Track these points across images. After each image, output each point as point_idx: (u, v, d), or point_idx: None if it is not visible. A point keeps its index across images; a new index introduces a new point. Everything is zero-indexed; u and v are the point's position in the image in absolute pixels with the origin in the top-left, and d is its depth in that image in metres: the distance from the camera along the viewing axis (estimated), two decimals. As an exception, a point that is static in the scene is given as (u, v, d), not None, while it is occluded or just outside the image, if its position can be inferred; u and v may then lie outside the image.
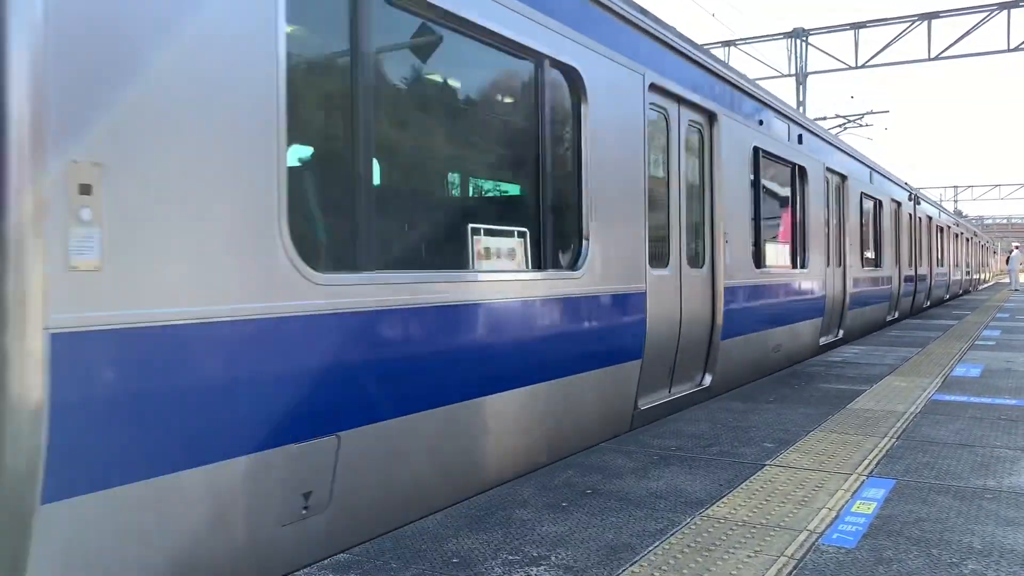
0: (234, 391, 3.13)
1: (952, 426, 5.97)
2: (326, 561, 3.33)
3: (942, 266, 27.05)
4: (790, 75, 28.66)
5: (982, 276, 40.02)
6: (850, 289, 13.36)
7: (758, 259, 9.06)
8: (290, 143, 3.42)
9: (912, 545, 3.52)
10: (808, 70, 28.54)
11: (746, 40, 28.52)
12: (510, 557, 3.38)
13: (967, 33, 24.83)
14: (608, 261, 5.80)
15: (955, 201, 76.42)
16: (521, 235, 5.12)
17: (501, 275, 4.74)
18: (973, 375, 8.57)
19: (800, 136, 10.89)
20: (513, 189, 5.37)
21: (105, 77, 2.67)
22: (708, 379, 7.64)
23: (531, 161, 5.22)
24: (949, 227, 29.86)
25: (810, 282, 11.10)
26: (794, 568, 3.26)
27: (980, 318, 17.53)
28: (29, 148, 2.45)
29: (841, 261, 13.12)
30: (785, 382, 8.20)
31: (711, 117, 7.83)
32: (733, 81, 8.42)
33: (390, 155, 4.30)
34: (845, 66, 27.43)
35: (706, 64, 7.67)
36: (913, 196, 20.91)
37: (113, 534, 2.74)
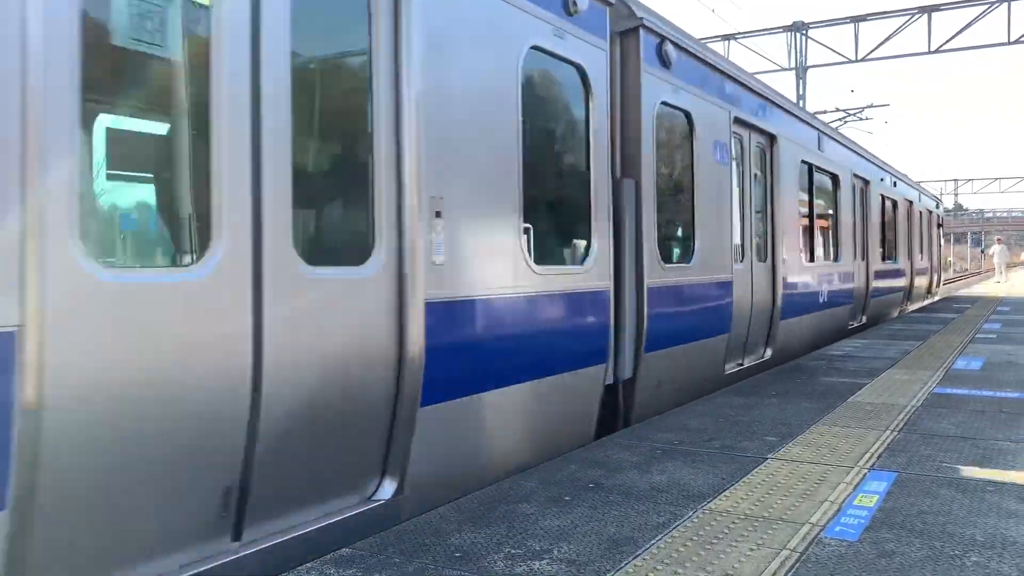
0: None
1: (954, 419, 5.97)
2: (328, 556, 3.33)
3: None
4: (790, 69, 28.63)
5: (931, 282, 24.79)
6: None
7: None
8: None
9: (915, 538, 3.52)
10: (808, 64, 28.51)
11: (746, 34, 28.49)
12: (513, 551, 3.38)
13: (967, 26, 24.83)
14: None
15: (955, 195, 76.40)
16: None
17: None
18: (974, 368, 8.57)
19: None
20: None
21: None
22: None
23: None
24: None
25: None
26: (797, 561, 3.26)
27: (981, 311, 17.54)
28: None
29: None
30: (786, 376, 8.19)
31: None
32: None
33: None
34: (845, 59, 27.42)
35: None
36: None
37: None
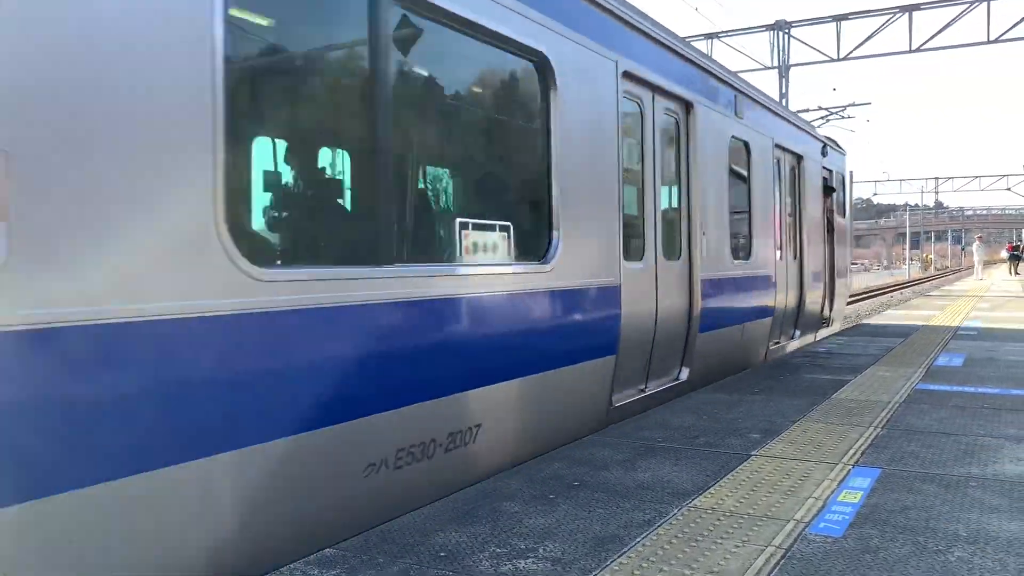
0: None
1: (936, 415, 6.00)
2: (311, 557, 3.30)
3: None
4: (773, 68, 28.76)
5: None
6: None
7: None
8: None
9: (899, 533, 3.53)
10: (791, 62, 28.65)
11: (729, 33, 28.60)
12: (498, 550, 3.36)
13: (948, 24, 25.01)
14: None
15: (936, 192, 77.09)
16: None
17: None
18: (956, 364, 8.63)
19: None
20: None
21: None
22: None
23: None
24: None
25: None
26: (781, 558, 3.26)
27: (963, 307, 17.68)
28: None
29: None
30: (770, 373, 8.22)
31: None
32: None
33: None
34: (827, 58, 27.57)
35: None
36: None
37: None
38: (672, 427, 5.66)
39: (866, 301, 31.91)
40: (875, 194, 76.40)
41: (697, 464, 4.70)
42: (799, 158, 11.75)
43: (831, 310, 13.79)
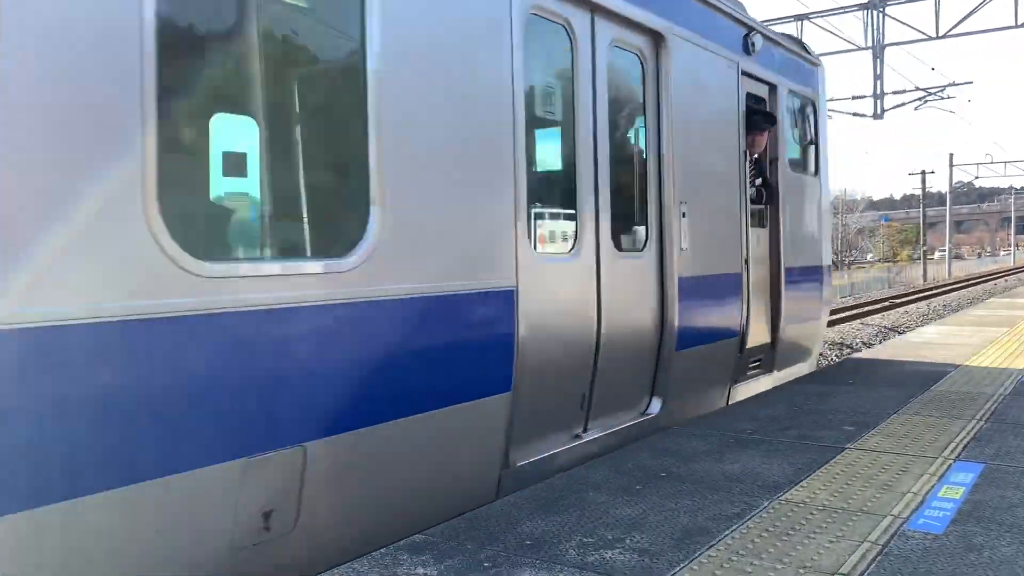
0: None
1: (1045, 408, 5.71)
2: (402, 542, 3.37)
3: None
4: (866, 48, 27.75)
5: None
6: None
7: None
8: None
9: (1005, 532, 3.37)
10: (885, 42, 27.59)
11: (820, 13, 27.71)
12: (584, 540, 3.36)
13: (1058, -3, 23.62)
14: None
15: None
16: None
17: None
18: (1067, 355, 8.19)
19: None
20: None
21: None
22: None
23: None
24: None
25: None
26: (878, 554, 3.16)
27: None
28: None
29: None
30: (863, 364, 7.96)
31: None
32: None
33: None
34: (925, 37, 26.44)
35: None
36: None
37: None
38: (762, 418, 5.55)
39: (966, 289, 30.61)
40: (977, 177, 72.85)
41: (788, 456, 4.59)
42: (657, 40, 5.71)
43: (775, 340, 7.50)
